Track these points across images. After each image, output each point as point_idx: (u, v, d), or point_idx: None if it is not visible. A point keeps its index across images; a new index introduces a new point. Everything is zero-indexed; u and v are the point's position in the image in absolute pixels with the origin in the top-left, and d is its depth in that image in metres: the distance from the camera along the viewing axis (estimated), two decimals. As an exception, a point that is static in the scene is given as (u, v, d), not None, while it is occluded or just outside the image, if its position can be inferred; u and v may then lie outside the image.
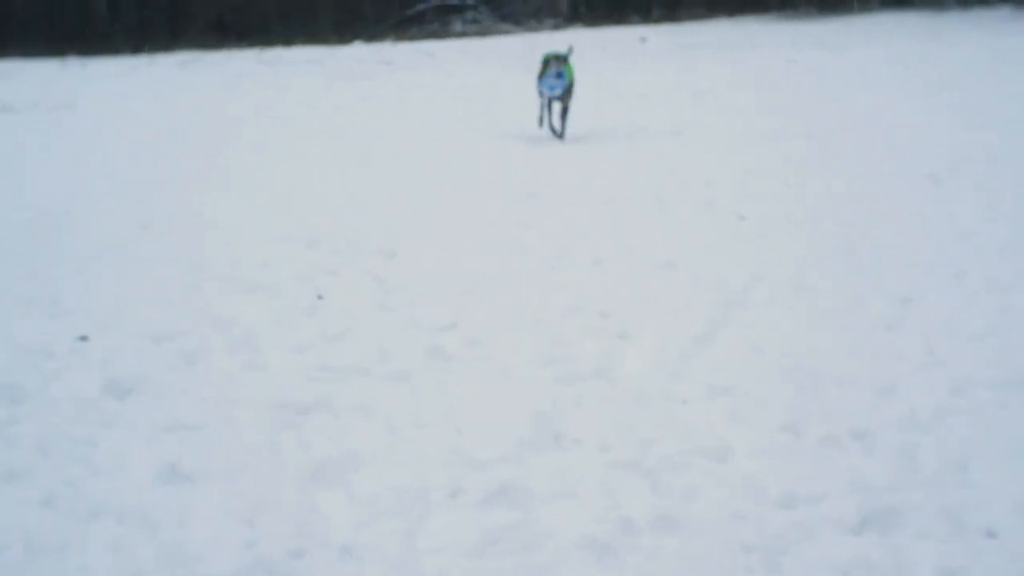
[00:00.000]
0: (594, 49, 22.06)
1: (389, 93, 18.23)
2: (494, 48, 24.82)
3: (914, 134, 12.15)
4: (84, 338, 6.21)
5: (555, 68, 12.94)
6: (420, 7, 30.52)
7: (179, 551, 4.00)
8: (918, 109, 13.85)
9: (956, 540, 3.98)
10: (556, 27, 29.24)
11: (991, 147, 11.14)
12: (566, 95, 13.15)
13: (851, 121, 13.22)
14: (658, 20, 28.77)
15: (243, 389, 5.46)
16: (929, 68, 17.46)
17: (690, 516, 4.20)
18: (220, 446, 4.84)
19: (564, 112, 13.23)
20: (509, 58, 21.45)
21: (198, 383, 5.58)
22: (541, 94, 13.26)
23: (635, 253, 7.86)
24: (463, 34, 29.33)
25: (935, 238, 7.93)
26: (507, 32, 28.99)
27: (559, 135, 13.18)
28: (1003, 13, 24.16)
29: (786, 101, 15.13)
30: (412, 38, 28.54)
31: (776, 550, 3.95)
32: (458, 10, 30.68)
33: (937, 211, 8.71)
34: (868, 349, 5.83)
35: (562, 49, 13.51)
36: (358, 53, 25.14)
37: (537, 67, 13.44)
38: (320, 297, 7.00)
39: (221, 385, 5.54)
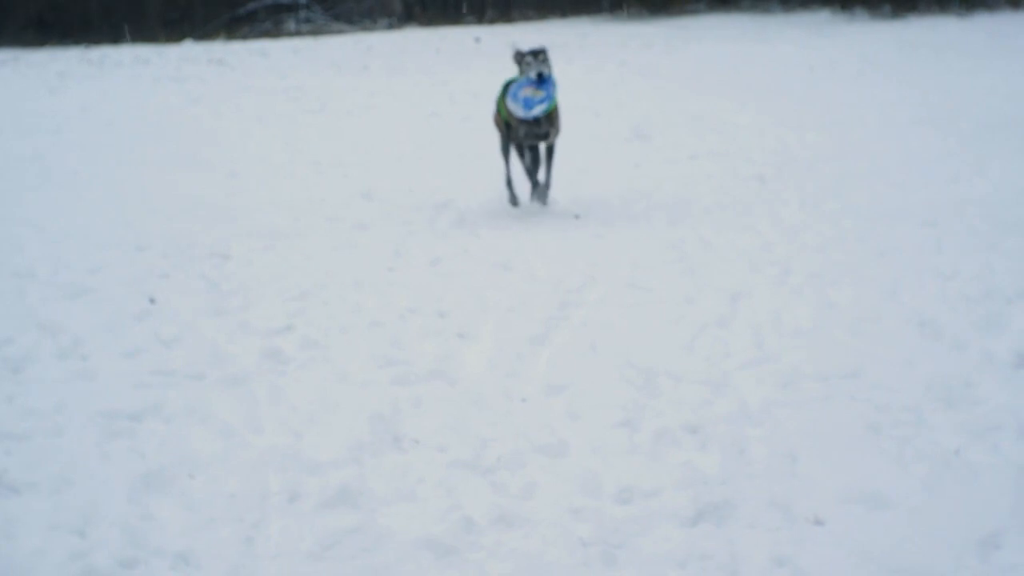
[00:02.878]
0: (428, 49, 22.11)
1: (221, 93, 17.94)
2: (327, 48, 24.62)
3: (741, 134, 12.47)
4: (-99, 347, 5.96)
5: (534, 68, 8.58)
6: (252, 6, 30.15)
7: (4, 564, 3.87)
8: (744, 109, 14.21)
9: (786, 529, 4.09)
10: (390, 27, 29.22)
11: (813, 147, 11.50)
12: (550, 125, 8.81)
13: (681, 121, 13.50)
14: (492, 21, 28.99)
15: (72, 397, 5.31)
16: (754, 69, 17.93)
17: (529, 513, 4.23)
18: (47, 455, 4.69)
19: (549, 154, 8.95)
20: (342, 58, 21.33)
21: (23, 392, 5.40)
22: (510, 127, 8.86)
23: (471, 254, 7.89)
24: (296, 33, 29.07)
25: (762, 237, 8.14)
26: (340, 32, 28.84)
27: (540, 194, 9.05)
28: (823, 17, 24.99)
29: (618, 101, 15.37)
30: (244, 37, 28.17)
31: (613, 544, 4.01)
32: (291, 9, 30.39)
33: (764, 210, 8.95)
34: (700, 345, 5.95)
35: (537, 45, 9.01)
36: (188, 52, 24.70)
37: (499, 87, 9.28)
38: (152, 301, 6.85)
39: (48, 393, 5.37)
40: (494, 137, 9.52)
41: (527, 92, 8.60)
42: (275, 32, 29.04)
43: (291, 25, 29.72)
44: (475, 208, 9.36)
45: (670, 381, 5.46)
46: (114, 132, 14.04)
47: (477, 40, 24.41)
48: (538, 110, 8.62)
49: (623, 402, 5.21)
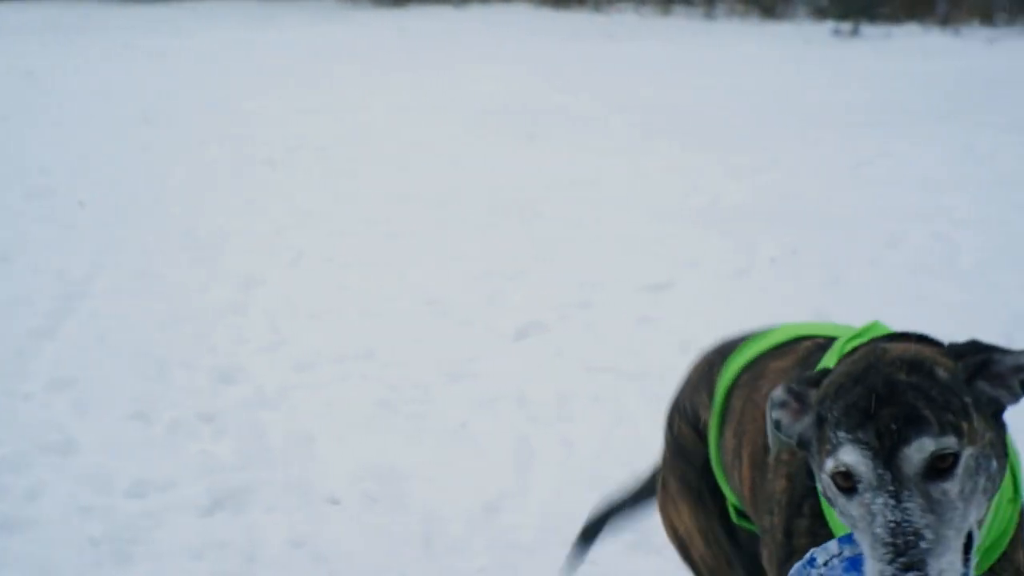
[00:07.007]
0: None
1: None
2: None
3: (252, 118, 12.37)
4: None
5: None
6: None
7: None
8: (255, 94, 14.08)
9: (303, 510, 4.15)
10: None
11: (324, 131, 11.59)
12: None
13: (192, 106, 13.23)
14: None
15: None
16: (262, 54, 17.84)
17: (35, 516, 4.05)
18: None
19: None
20: None
21: None
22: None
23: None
24: None
25: (275, 222, 8.12)
26: None
27: None
28: (329, 3, 25.33)
29: (127, 86, 14.85)
30: None
31: (126, 540, 3.91)
32: None
33: (276, 195, 8.94)
34: (214, 333, 5.89)
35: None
36: None
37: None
38: None
39: None
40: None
41: None
42: None
43: None
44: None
45: (184, 371, 5.39)
46: None
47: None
48: None
49: (135, 394, 5.08)
